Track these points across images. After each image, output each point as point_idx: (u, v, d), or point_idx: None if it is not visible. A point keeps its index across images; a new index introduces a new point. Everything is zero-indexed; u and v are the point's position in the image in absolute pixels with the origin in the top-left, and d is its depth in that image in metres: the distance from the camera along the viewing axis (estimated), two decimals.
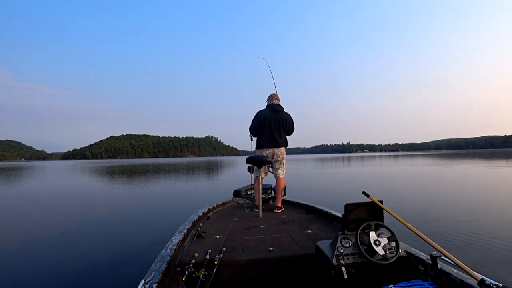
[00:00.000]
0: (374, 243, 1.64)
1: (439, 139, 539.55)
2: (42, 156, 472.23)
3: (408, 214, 5.49)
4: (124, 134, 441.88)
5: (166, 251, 1.88)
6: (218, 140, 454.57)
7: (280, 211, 3.45)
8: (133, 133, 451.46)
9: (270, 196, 4.20)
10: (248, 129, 3.82)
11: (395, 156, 72.31)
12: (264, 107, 3.78)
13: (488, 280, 1.22)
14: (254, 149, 3.87)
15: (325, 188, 10.36)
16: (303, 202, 3.68)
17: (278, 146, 3.61)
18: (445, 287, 1.44)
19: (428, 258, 1.59)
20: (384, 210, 1.80)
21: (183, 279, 1.70)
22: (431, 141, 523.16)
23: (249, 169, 4.28)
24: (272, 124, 3.59)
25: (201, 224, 2.80)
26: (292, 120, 3.72)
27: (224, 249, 2.03)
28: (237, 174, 18.72)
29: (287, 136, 3.76)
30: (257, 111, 3.76)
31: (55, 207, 7.72)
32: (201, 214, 3.12)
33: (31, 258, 3.60)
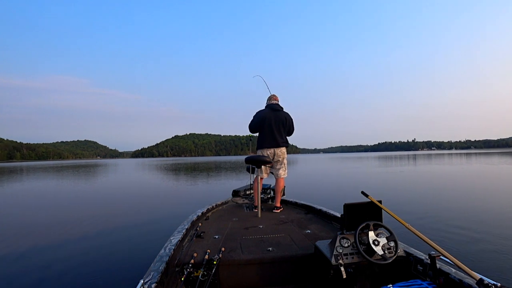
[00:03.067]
0: (373, 243, 1.64)
1: None
2: (115, 154, 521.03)
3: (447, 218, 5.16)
4: (188, 133, 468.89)
5: (165, 251, 1.87)
6: None
7: (279, 211, 3.45)
8: (196, 132, 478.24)
9: (269, 196, 4.20)
10: (248, 128, 3.80)
11: (467, 154, 67.86)
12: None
13: (487, 280, 1.22)
14: (252, 149, 3.87)
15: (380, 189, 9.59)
16: (302, 202, 3.68)
17: (279, 146, 3.59)
18: (443, 286, 1.44)
19: (427, 258, 1.59)
20: (383, 210, 1.80)
21: (182, 279, 1.70)
22: (510, 138, 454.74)
23: (248, 169, 4.28)
24: (272, 124, 3.57)
25: (200, 224, 2.80)
26: (291, 119, 3.69)
27: (223, 249, 2.02)
28: (295, 173, 18.21)
29: (288, 137, 3.75)
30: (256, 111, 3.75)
31: (65, 206, 7.74)
32: (200, 214, 3.12)
33: (29, 257, 3.60)
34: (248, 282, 1.93)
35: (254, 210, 3.52)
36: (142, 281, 1.43)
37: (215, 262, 1.81)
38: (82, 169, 32.58)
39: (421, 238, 1.56)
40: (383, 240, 1.67)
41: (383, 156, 63.31)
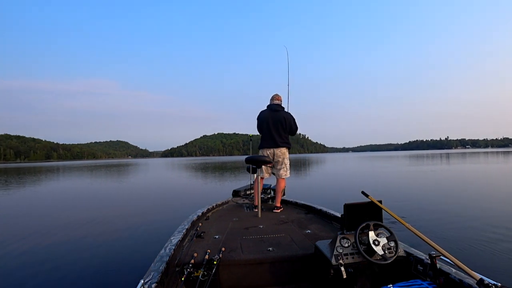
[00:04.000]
0: (373, 243, 1.64)
1: None
2: (145, 154, 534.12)
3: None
4: (216, 133, 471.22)
5: (165, 251, 1.87)
6: (306, 137, 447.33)
7: (279, 211, 3.45)
8: (224, 132, 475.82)
9: (269, 196, 4.20)
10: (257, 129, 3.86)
11: (504, 152, 64.81)
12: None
13: (487, 280, 1.22)
14: (253, 150, 3.88)
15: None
16: (302, 202, 3.68)
17: (278, 146, 3.59)
18: (444, 286, 1.44)
19: (427, 258, 1.59)
20: (383, 210, 1.80)
21: (182, 279, 1.70)
22: None
23: (248, 169, 4.28)
24: (270, 124, 3.59)
25: (200, 224, 2.80)
26: (293, 119, 3.68)
27: (223, 249, 2.02)
28: (325, 173, 17.78)
29: (291, 136, 3.75)
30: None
31: (76, 205, 7.80)
32: (200, 214, 3.12)
33: (30, 256, 3.60)
34: (248, 282, 1.93)
35: (254, 210, 3.52)
36: (142, 281, 1.43)
37: (215, 262, 1.81)
38: (113, 168, 33.84)
39: (421, 238, 1.56)
40: (383, 240, 1.66)
41: (414, 155, 59.68)
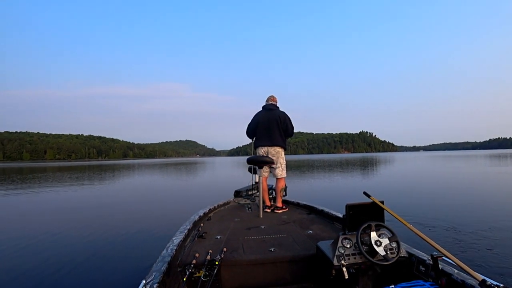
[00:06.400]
0: (375, 243, 1.63)
1: None
2: (212, 153, 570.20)
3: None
4: None
5: (167, 252, 1.88)
6: (373, 135, 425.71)
7: (280, 211, 3.45)
8: None
9: (271, 196, 4.20)
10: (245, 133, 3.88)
11: None
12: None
13: (489, 281, 1.21)
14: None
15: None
16: (304, 203, 3.68)
17: (272, 144, 3.58)
18: (446, 287, 1.44)
19: (429, 258, 1.59)
20: (385, 211, 1.80)
21: (184, 279, 1.71)
22: None
23: (249, 170, 4.27)
24: (264, 123, 3.60)
25: (202, 224, 2.80)
26: (288, 118, 3.65)
27: (225, 249, 2.03)
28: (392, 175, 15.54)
29: (288, 138, 3.74)
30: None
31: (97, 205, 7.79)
32: (202, 214, 3.12)
33: (30, 255, 3.61)
34: (249, 282, 1.93)
35: (265, 210, 3.49)
36: (144, 281, 1.44)
37: (217, 263, 1.81)
38: (180, 166, 35.77)
39: (423, 239, 1.56)
40: (385, 241, 1.66)
41: (496, 155, 51.20)
